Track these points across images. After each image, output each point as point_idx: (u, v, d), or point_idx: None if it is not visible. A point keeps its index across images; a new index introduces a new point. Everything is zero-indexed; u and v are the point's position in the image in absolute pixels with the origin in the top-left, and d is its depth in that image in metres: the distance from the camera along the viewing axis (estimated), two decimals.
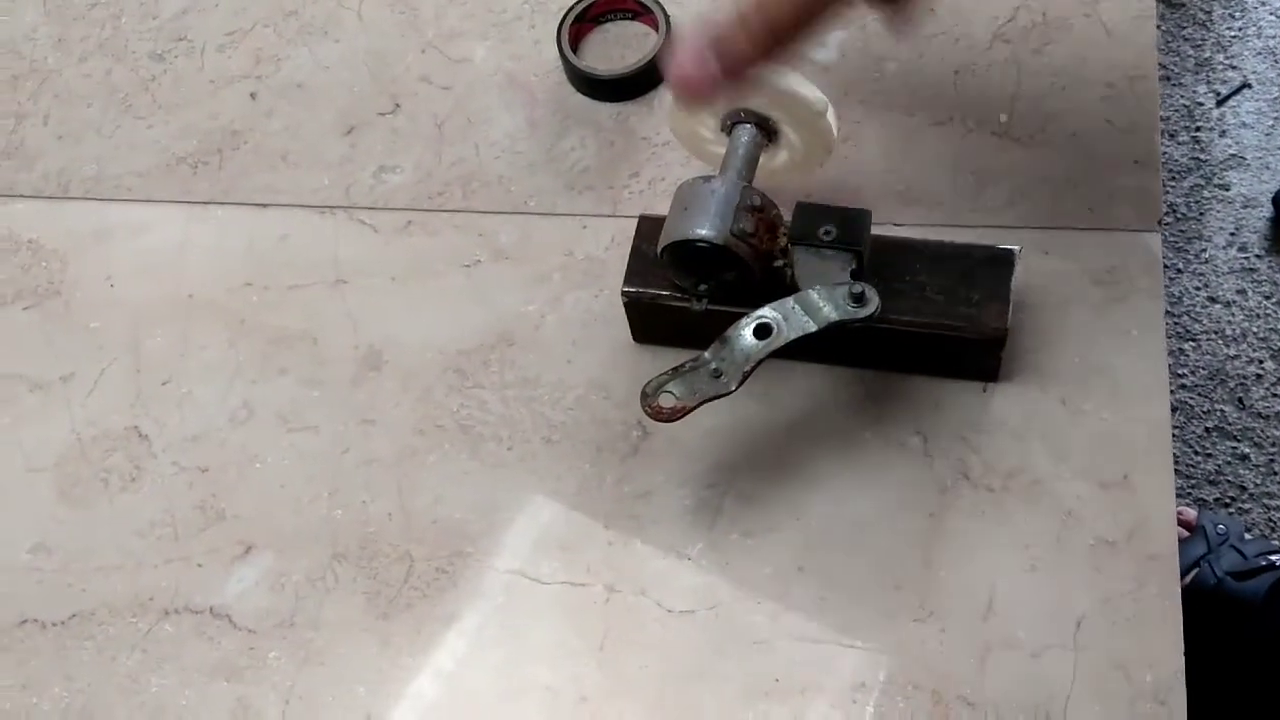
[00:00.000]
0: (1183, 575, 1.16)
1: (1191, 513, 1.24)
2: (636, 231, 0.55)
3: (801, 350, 0.50)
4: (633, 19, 0.66)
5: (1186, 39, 1.52)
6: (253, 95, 0.67)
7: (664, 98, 0.60)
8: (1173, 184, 1.40)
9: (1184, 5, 1.54)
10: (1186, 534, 1.21)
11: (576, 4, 0.65)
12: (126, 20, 0.70)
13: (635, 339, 0.56)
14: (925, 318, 0.51)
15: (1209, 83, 1.48)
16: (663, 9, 0.64)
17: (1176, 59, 1.50)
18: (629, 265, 0.54)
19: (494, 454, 0.55)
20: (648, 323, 0.55)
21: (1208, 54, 1.50)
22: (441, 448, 0.56)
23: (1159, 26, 1.52)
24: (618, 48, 0.65)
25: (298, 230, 0.63)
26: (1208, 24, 1.52)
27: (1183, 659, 0.48)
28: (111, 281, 0.62)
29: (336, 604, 0.53)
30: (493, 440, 0.56)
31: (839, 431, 0.54)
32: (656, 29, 0.64)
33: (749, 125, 0.53)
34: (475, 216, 0.62)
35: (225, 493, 0.56)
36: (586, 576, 0.52)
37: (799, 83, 0.51)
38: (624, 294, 0.54)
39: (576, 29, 0.65)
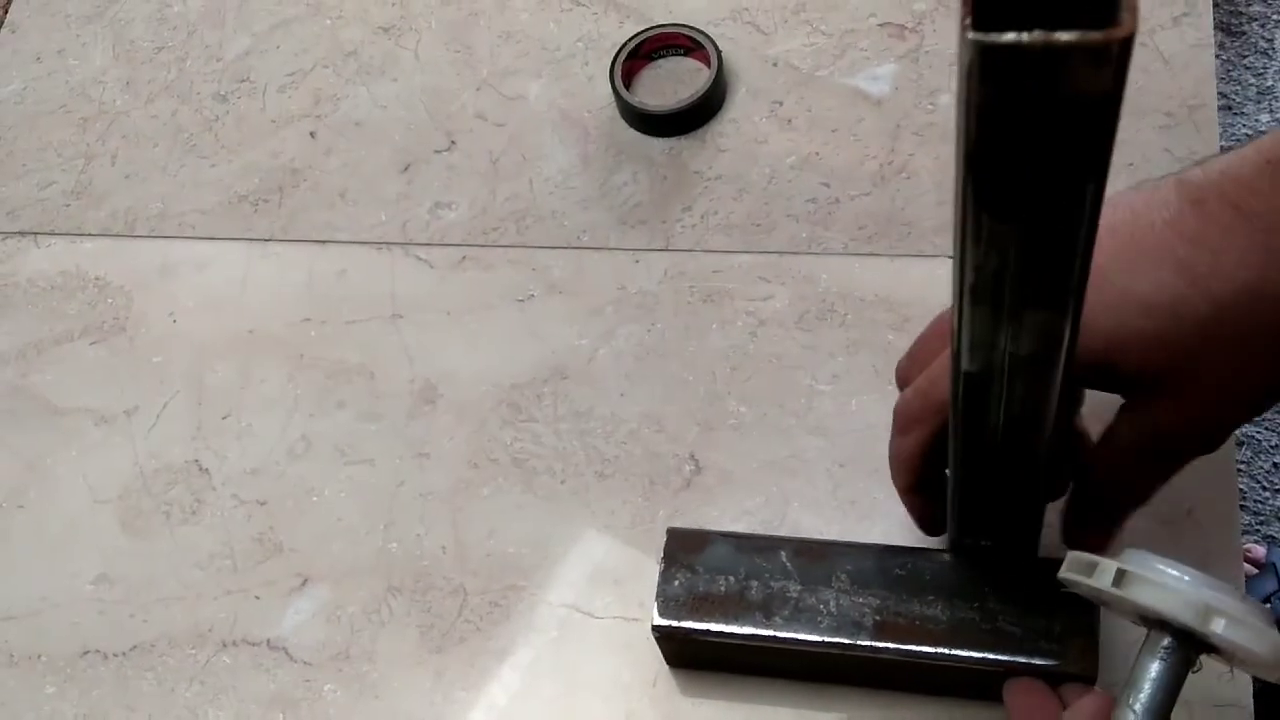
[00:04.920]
0: None
1: (1260, 550, 1.21)
2: (665, 551, 0.48)
3: (853, 676, 0.46)
4: (685, 55, 0.66)
5: (1248, 67, 1.50)
6: (312, 134, 0.68)
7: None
8: None
9: (1245, 33, 1.52)
10: (1255, 571, 1.18)
11: (629, 41, 0.66)
12: (191, 63, 0.72)
13: (670, 665, 0.50)
14: (1001, 655, 0.44)
15: (1272, 111, 1.46)
16: (715, 45, 0.64)
17: (1238, 88, 1.48)
18: (659, 589, 0.47)
19: (547, 487, 0.56)
20: (686, 654, 0.49)
21: (1270, 82, 1.48)
22: (495, 481, 0.56)
23: (1218, 55, 1.50)
24: (670, 83, 0.66)
25: (355, 266, 0.64)
26: (1269, 52, 1.50)
27: (1252, 699, 0.46)
28: (174, 317, 0.64)
29: (391, 637, 0.53)
30: (546, 474, 0.56)
31: None
32: (708, 64, 0.64)
33: (1170, 641, 0.38)
34: (529, 251, 0.62)
35: (283, 525, 0.57)
36: (640, 611, 0.52)
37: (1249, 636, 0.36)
38: (656, 629, 0.47)
39: (629, 65, 0.65)
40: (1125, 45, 0.24)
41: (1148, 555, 0.38)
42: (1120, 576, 0.37)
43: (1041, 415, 0.36)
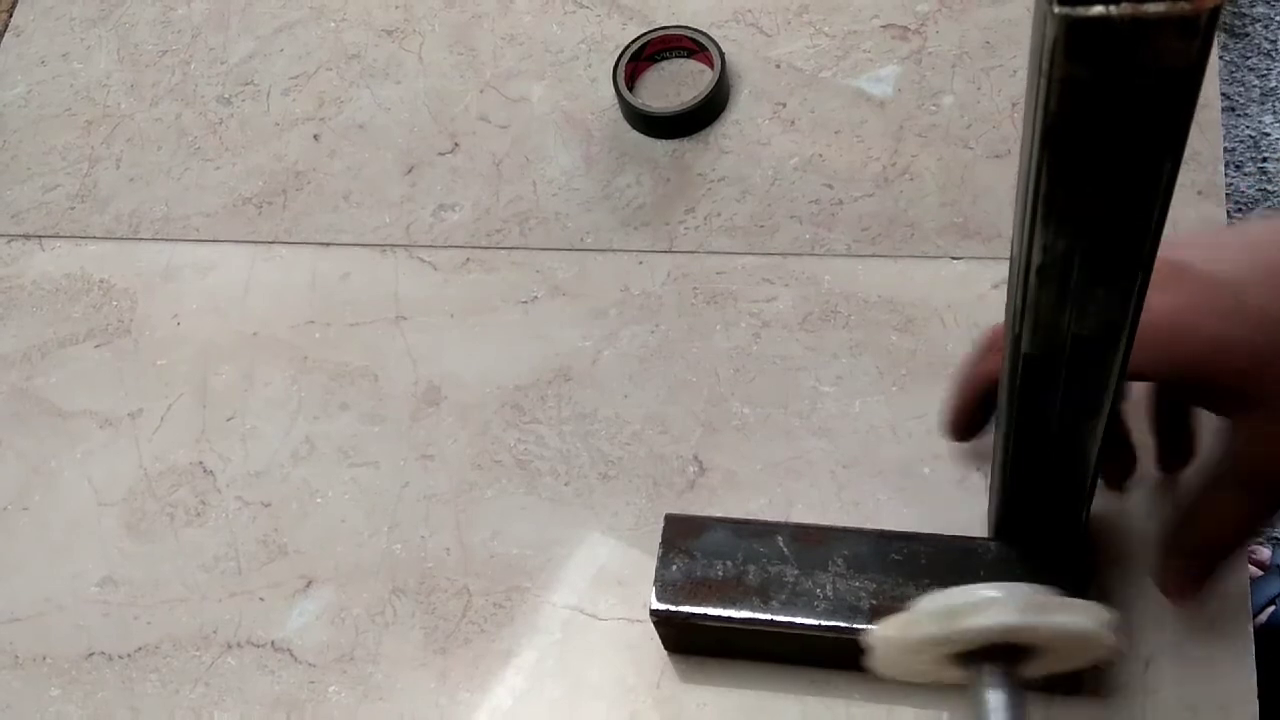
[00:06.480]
0: (1256, 614, 1.13)
1: (1266, 551, 1.21)
2: (664, 537, 0.48)
3: (849, 660, 0.46)
4: (688, 57, 0.66)
5: (1251, 69, 1.50)
6: (316, 137, 0.68)
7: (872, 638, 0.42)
8: (1239, 216, 1.38)
9: (1248, 34, 1.52)
10: (1260, 573, 1.18)
11: (632, 43, 0.66)
12: (195, 66, 0.72)
13: (668, 650, 0.50)
14: None
15: (1275, 113, 1.46)
16: (718, 47, 0.64)
17: (1241, 89, 1.48)
18: (657, 574, 0.47)
19: (551, 489, 0.56)
20: (684, 639, 0.49)
21: (1273, 83, 1.48)
22: (499, 483, 0.56)
23: (1222, 56, 1.50)
24: (673, 85, 0.66)
25: (359, 268, 0.64)
26: (1273, 53, 1.50)
27: (1257, 701, 0.46)
28: (179, 320, 0.64)
29: (395, 638, 0.53)
30: (550, 475, 0.56)
31: (899, 466, 0.53)
32: (711, 66, 0.64)
33: (999, 673, 0.37)
34: (532, 253, 0.62)
35: (287, 527, 0.57)
36: (644, 612, 0.52)
37: (1071, 612, 0.36)
38: (654, 613, 0.47)
39: (632, 67, 0.65)
40: (1213, 16, 0.24)
41: (936, 593, 0.38)
42: (943, 613, 0.37)
43: (1101, 399, 0.36)
